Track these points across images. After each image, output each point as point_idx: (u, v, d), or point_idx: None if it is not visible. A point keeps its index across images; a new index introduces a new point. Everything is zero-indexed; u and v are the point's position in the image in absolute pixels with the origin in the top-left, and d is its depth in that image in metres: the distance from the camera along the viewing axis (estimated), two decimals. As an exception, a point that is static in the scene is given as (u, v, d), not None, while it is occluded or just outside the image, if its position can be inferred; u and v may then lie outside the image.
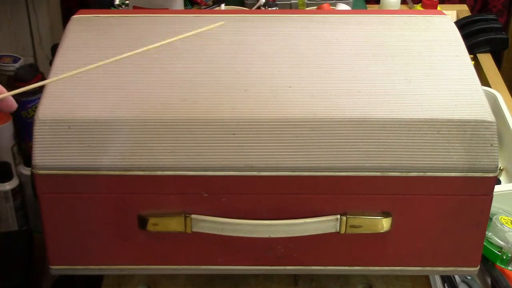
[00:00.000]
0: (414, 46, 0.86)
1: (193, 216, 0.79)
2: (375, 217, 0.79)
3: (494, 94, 1.19)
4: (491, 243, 0.97)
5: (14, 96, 0.75)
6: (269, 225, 0.79)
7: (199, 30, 0.78)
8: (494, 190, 0.79)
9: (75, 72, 0.74)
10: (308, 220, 0.79)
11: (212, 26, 0.79)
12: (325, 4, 1.29)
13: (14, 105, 0.73)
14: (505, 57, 1.77)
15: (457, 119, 0.77)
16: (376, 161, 0.77)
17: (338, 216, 0.79)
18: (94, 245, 0.81)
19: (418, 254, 0.82)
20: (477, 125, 0.77)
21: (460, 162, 0.77)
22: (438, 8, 1.48)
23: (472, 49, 1.41)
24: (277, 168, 0.77)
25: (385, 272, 0.84)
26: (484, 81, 1.34)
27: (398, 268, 0.84)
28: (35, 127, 0.76)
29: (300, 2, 1.35)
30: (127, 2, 1.29)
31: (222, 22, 0.79)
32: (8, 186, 1.17)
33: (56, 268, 0.83)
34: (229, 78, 0.81)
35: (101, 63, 0.74)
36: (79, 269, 0.83)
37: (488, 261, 0.97)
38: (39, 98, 0.79)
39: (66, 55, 0.84)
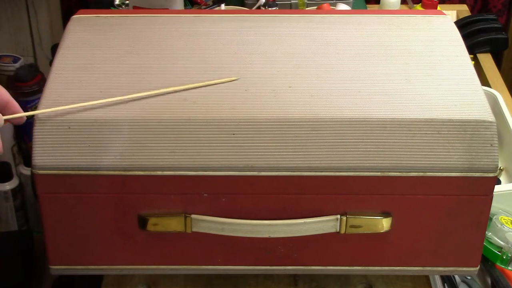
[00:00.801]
0: (414, 46, 0.86)
1: (193, 216, 0.79)
2: (375, 217, 0.79)
3: (494, 94, 1.18)
4: (491, 243, 0.97)
5: (14, 96, 0.75)
6: (269, 225, 0.79)
7: (211, 82, 0.78)
8: (494, 190, 0.79)
9: (65, 107, 0.76)
10: (308, 220, 0.79)
11: (225, 79, 0.79)
12: (325, 4, 1.29)
13: (24, 119, 0.77)
14: (505, 57, 1.76)
15: (457, 119, 0.77)
16: (376, 161, 0.77)
17: (338, 216, 0.79)
18: (94, 245, 0.81)
19: (418, 254, 0.82)
20: (477, 125, 0.77)
21: (460, 162, 0.77)
22: (438, 8, 1.48)
23: (472, 49, 1.40)
24: (277, 168, 0.77)
25: (385, 272, 0.84)
26: (484, 81, 1.34)
27: (398, 268, 0.84)
28: (35, 127, 0.76)
29: (300, 2, 1.35)
30: (127, 2, 1.29)
31: (237, 78, 0.79)
32: (8, 186, 1.18)
33: (56, 268, 0.83)
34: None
35: (91, 102, 0.76)
36: (79, 269, 0.83)
37: (488, 261, 0.97)
38: (39, 98, 0.79)
39: (66, 55, 0.84)
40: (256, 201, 0.79)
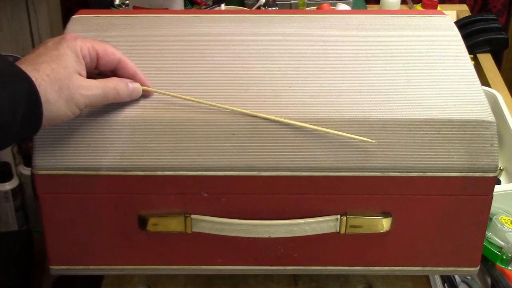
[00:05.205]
0: (414, 46, 0.86)
1: (193, 216, 0.79)
2: (375, 217, 0.79)
3: (494, 94, 1.19)
4: (491, 243, 0.97)
5: None
6: (269, 225, 0.79)
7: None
8: (494, 190, 0.79)
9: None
10: (308, 220, 0.79)
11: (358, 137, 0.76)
12: (325, 4, 1.29)
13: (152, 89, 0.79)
14: (505, 57, 1.77)
15: (457, 119, 0.77)
16: (376, 161, 0.77)
17: (338, 216, 0.79)
18: (94, 245, 0.81)
19: (418, 254, 0.82)
20: (477, 125, 0.77)
21: (460, 162, 0.77)
22: (438, 8, 1.48)
23: (472, 49, 1.40)
24: (277, 168, 0.77)
25: (385, 272, 0.84)
26: (484, 81, 1.34)
27: (398, 268, 0.84)
28: (35, 127, 0.76)
29: (300, 2, 1.35)
30: (127, 2, 1.29)
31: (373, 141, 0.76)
32: (8, 186, 1.18)
33: (56, 268, 0.83)
34: (229, 78, 0.81)
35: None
36: (79, 269, 0.83)
37: (488, 261, 0.97)
38: (39, 98, 0.79)
39: (66, 55, 0.84)
40: (256, 201, 0.79)
